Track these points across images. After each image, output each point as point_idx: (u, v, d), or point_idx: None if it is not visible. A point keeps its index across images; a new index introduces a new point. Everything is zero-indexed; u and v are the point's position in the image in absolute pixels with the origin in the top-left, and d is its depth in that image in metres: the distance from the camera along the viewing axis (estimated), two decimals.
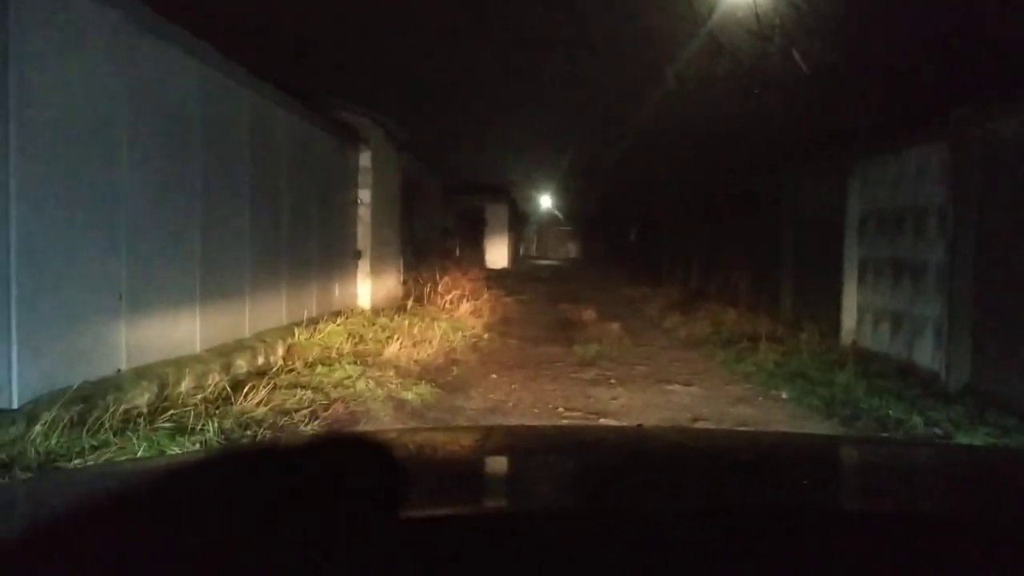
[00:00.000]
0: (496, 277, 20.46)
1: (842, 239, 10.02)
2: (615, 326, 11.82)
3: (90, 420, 4.15)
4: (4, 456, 3.63)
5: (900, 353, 8.55)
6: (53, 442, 3.82)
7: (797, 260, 11.85)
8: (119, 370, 4.91)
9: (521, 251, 42.73)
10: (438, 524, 0.89)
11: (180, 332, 5.73)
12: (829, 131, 10.45)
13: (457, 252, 22.69)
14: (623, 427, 4.79)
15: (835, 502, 1.13)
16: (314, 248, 9.22)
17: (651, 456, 1.35)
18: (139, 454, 3.93)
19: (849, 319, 9.88)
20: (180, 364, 5.53)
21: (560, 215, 45.85)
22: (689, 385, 7.71)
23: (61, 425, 3.94)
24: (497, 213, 30.00)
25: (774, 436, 3.34)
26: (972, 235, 7.29)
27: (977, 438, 5.68)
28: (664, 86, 13.63)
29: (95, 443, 3.97)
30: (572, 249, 54.60)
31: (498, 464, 1.49)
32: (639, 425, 4.94)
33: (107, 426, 4.18)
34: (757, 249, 13.64)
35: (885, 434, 5.92)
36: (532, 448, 1.66)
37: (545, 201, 38.59)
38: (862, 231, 9.79)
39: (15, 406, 4.00)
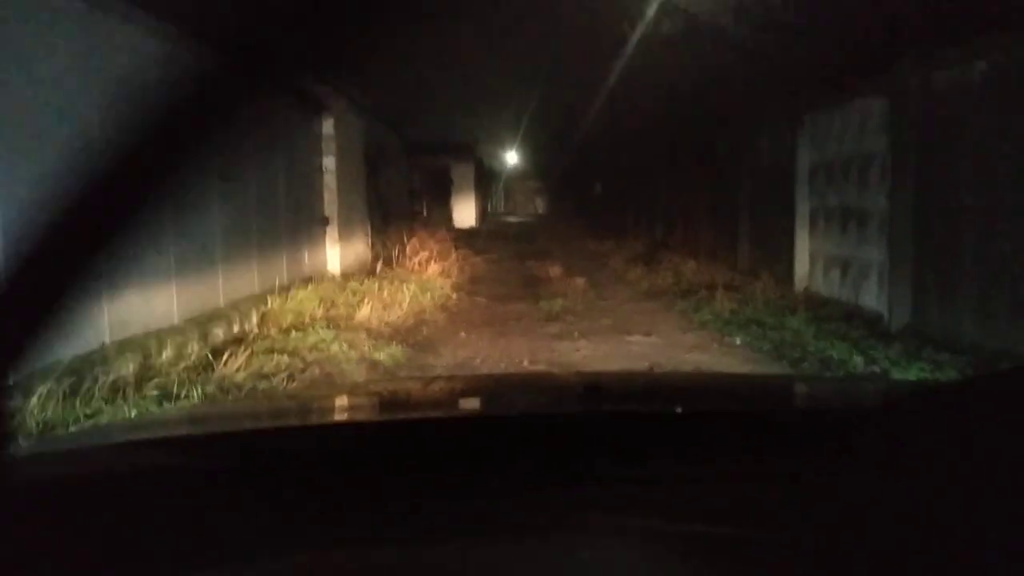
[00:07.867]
0: (464, 236, 20.70)
1: (794, 189, 10.41)
2: (580, 281, 12.18)
3: (82, 391, 4.43)
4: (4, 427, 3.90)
5: (848, 297, 9.00)
6: (49, 413, 4.10)
7: (753, 210, 12.25)
8: (103, 344, 5.17)
9: (489, 209, 42.85)
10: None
11: (158, 306, 5.98)
12: (781, 85, 10.76)
13: (424, 213, 22.87)
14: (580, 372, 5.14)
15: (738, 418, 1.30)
16: (282, 217, 9.43)
17: (604, 395, 1.47)
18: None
19: (802, 266, 10.31)
20: (160, 335, 5.80)
21: (527, 171, 45.89)
22: (649, 335, 8.10)
23: (55, 397, 4.22)
24: (463, 172, 30.03)
25: (710, 376, 3.68)
26: (911, 182, 7.67)
27: (911, 373, 6.11)
28: (624, 43, 13.85)
29: (88, 412, 4.26)
30: (540, 205, 54.79)
31: (467, 404, 1.77)
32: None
33: (98, 396, 4.47)
34: (716, 201, 14.02)
35: (828, 373, 6.35)
36: (496, 392, 1.96)
37: (512, 158, 38.58)
38: (812, 181, 10.18)
39: (10, 381, 4.25)
